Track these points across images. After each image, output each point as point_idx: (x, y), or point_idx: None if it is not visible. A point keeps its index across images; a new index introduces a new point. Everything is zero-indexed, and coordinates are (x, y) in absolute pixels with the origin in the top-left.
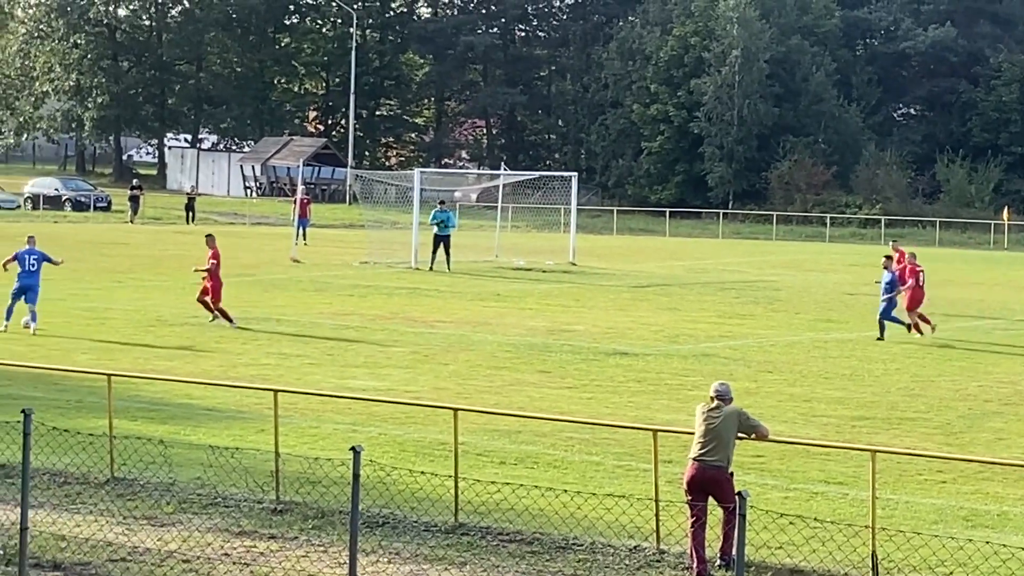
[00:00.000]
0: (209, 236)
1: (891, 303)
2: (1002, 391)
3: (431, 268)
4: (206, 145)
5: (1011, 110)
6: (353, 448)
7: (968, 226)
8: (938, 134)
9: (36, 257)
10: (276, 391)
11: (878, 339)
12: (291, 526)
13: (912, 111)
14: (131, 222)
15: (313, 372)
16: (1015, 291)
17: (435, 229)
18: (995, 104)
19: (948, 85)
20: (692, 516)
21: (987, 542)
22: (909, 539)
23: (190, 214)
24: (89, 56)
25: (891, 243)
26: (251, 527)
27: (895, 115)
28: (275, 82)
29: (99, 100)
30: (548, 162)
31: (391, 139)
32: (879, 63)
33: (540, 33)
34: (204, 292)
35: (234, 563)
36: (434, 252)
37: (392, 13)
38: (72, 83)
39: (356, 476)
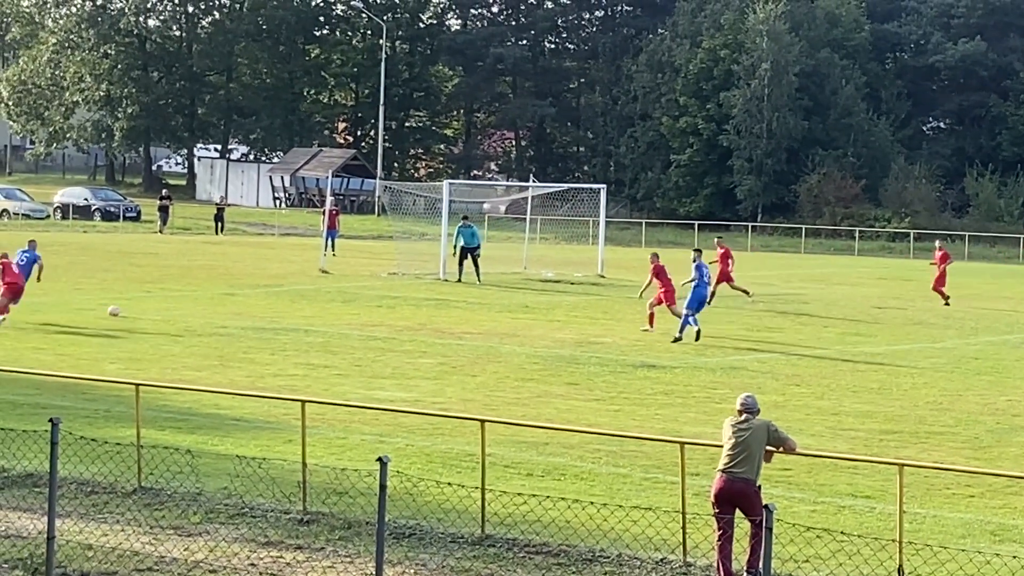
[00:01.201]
0: None
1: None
2: None
3: (460, 280)
4: (235, 156)
5: None
6: (380, 459)
7: (997, 240)
8: (967, 148)
9: (28, 256)
10: (304, 401)
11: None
12: (318, 537)
13: (941, 125)
14: (160, 232)
15: (341, 383)
16: None
17: (461, 241)
18: None
19: (978, 99)
20: (719, 529)
21: (1015, 556)
22: (936, 553)
23: (219, 224)
24: (119, 66)
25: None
26: (278, 537)
27: (924, 129)
28: (304, 93)
29: (129, 110)
30: (577, 174)
31: (420, 151)
32: (908, 77)
33: (569, 45)
34: None
35: (260, 573)
36: (461, 264)
37: (422, 25)
38: (102, 93)
39: (383, 487)
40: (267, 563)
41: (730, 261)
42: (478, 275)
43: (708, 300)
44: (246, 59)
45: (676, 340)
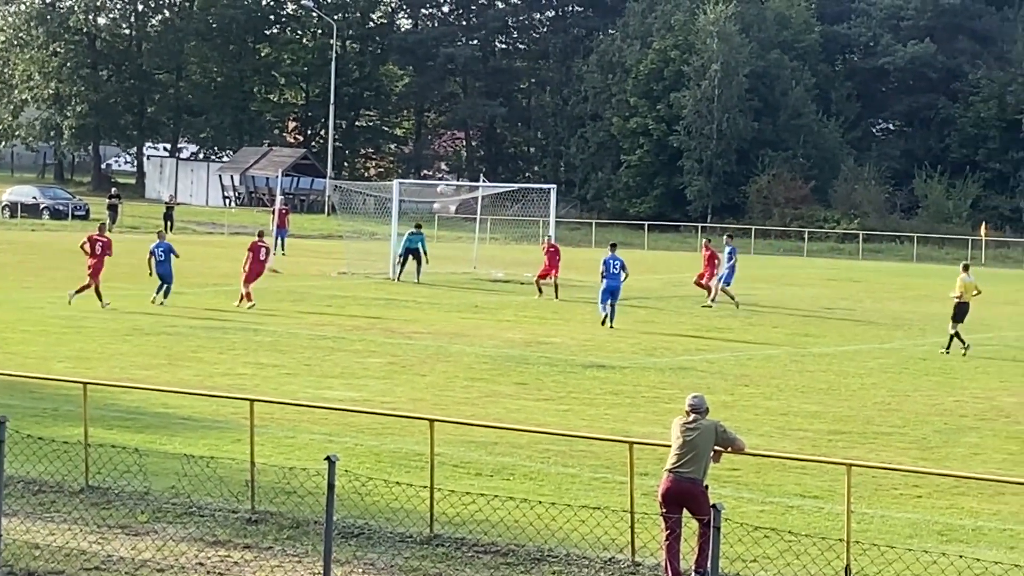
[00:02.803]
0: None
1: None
2: (978, 406)
3: (398, 278)
4: (185, 154)
5: (989, 126)
6: (328, 458)
7: (946, 242)
8: (916, 150)
9: None
10: (252, 401)
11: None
12: (266, 536)
13: (891, 126)
14: (109, 231)
15: (290, 382)
16: (991, 307)
17: (407, 245)
18: (973, 120)
19: (927, 101)
20: (667, 529)
21: (961, 556)
22: (883, 553)
23: (168, 223)
24: (68, 65)
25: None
26: (226, 536)
27: (874, 130)
28: (255, 92)
29: (78, 109)
30: (527, 174)
31: (370, 150)
32: (858, 78)
33: (520, 46)
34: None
35: (208, 572)
36: (403, 263)
37: (372, 24)
38: (51, 91)
39: (331, 486)
40: (215, 562)
41: (717, 263)
42: (418, 273)
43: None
44: (196, 58)
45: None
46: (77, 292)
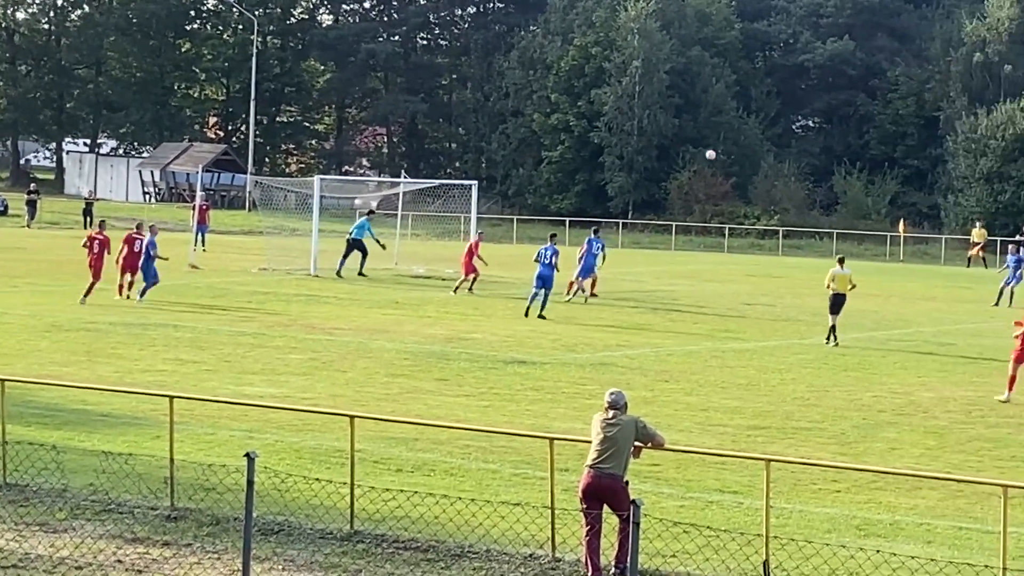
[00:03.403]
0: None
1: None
2: (896, 401)
3: (339, 274)
4: (105, 150)
5: (907, 123)
6: (247, 454)
7: (865, 238)
8: (836, 146)
9: None
10: (172, 397)
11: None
12: (185, 533)
13: (810, 123)
14: (28, 227)
15: (210, 378)
16: (910, 302)
17: (353, 233)
18: (892, 117)
19: (846, 98)
20: (587, 524)
21: (878, 550)
22: (801, 548)
23: (88, 219)
24: None
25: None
26: (144, 534)
27: (793, 127)
28: (175, 88)
29: None
30: (448, 170)
31: (291, 146)
32: (778, 75)
33: (442, 42)
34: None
35: (127, 570)
36: (346, 256)
37: (293, 20)
38: None
39: (250, 482)
40: (133, 559)
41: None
42: (362, 265)
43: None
44: (116, 53)
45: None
46: (86, 295)
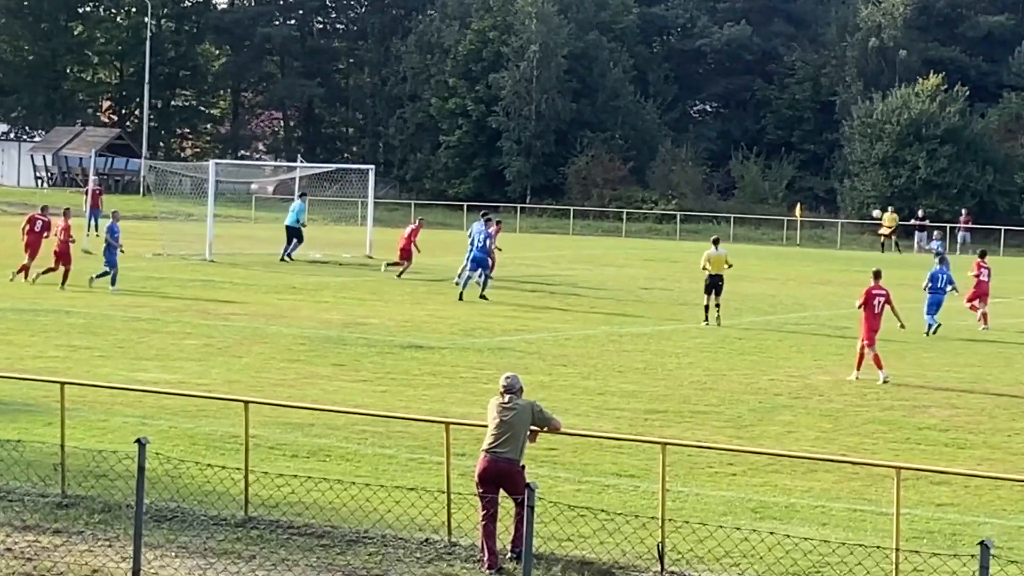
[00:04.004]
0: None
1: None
2: (792, 384)
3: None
4: None
5: (804, 108)
6: (138, 440)
7: (762, 222)
8: (733, 131)
9: None
10: (63, 383)
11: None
12: (76, 520)
13: (708, 108)
14: None
15: (103, 365)
16: (807, 286)
17: (289, 220)
18: (788, 102)
19: (743, 83)
20: (483, 509)
21: (772, 533)
22: (696, 530)
23: None
24: None
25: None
26: (35, 521)
27: (691, 112)
28: (68, 71)
29: None
30: (346, 155)
31: (187, 130)
32: (675, 60)
33: (338, 25)
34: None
35: (15, 558)
36: (290, 242)
37: (188, 3)
38: None
39: (141, 468)
40: (23, 547)
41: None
42: (288, 249)
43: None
44: (6, 36)
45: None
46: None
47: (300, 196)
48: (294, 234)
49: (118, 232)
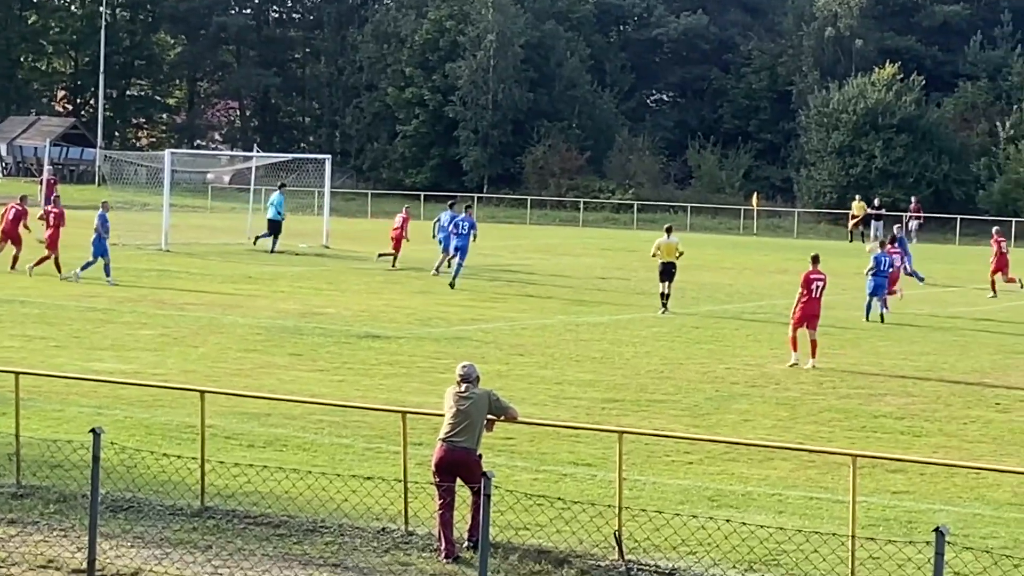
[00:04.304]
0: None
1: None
2: (748, 373)
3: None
4: None
5: (760, 97)
6: (93, 430)
7: (719, 211)
8: (690, 120)
9: None
10: (18, 373)
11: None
12: (31, 510)
13: (664, 97)
14: None
15: (58, 355)
16: (763, 275)
17: (270, 213)
18: (745, 91)
19: (700, 72)
20: (440, 498)
21: (728, 521)
22: (653, 518)
23: None
24: None
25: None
26: None
27: (648, 101)
28: (22, 60)
29: None
30: (302, 144)
31: (142, 120)
32: (632, 49)
33: (295, 15)
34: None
35: None
36: (274, 235)
37: None
38: None
39: (96, 458)
40: None
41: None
42: (258, 238)
43: None
44: None
45: None
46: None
47: (279, 187)
48: (275, 228)
49: (108, 222)
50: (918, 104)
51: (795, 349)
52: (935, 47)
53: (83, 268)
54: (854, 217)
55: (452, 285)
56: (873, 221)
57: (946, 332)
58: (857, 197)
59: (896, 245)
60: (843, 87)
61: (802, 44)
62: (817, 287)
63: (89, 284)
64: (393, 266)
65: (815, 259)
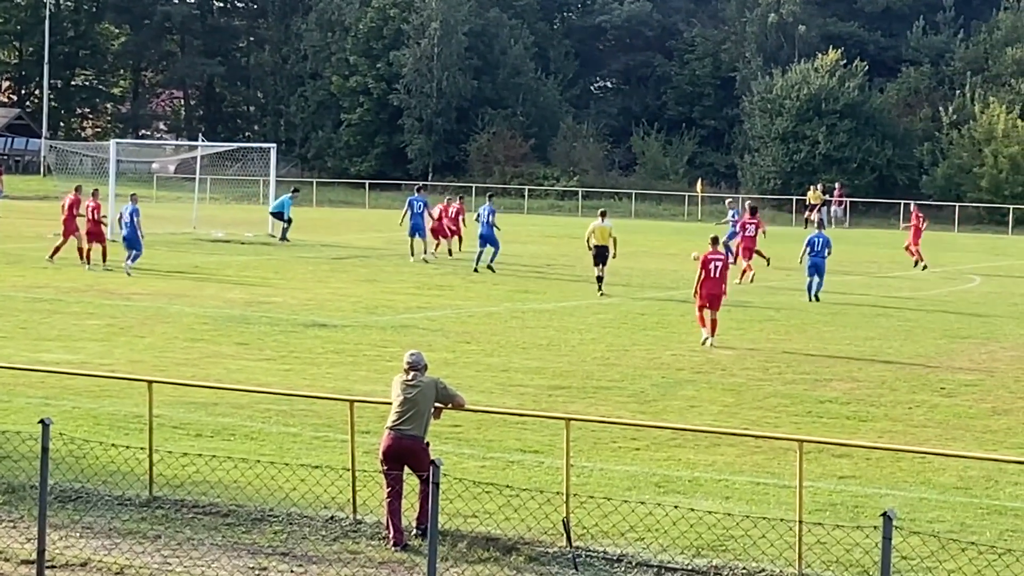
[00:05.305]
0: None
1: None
2: (694, 359)
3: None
4: None
5: (704, 84)
6: (42, 421)
7: (663, 198)
8: (634, 107)
9: None
10: None
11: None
12: None
13: (609, 84)
14: None
15: (5, 345)
16: None
17: (273, 207)
18: (689, 78)
19: (644, 59)
20: (388, 486)
21: (676, 506)
22: (601, 505)
23: None
24: None
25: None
26: None
27: (592, 88)
28: None
29: None
30: (247, 133)
31: (87, 110)
32: (576, 36)
33: (239, 4)
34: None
35: None
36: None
37: None
38: None
39: (44, 449)
40: None
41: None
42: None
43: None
44: None
45: None
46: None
47: (293, 192)
48: (280, 218)
49: (138, 215)
50: (861, 90)
51: (703, 325)
52: (878, 32)
53: (132, 260)
54: (811, 206)
55: (491, 269)
56: (825, 208)
57: (891, 317)
58: (812, 185)
59: (753, 216)
60: (786, 73)
61: (745, 30)
62: (716, 267)
63: (35, 275)
64: (449, 254)
65: (714, 241)
